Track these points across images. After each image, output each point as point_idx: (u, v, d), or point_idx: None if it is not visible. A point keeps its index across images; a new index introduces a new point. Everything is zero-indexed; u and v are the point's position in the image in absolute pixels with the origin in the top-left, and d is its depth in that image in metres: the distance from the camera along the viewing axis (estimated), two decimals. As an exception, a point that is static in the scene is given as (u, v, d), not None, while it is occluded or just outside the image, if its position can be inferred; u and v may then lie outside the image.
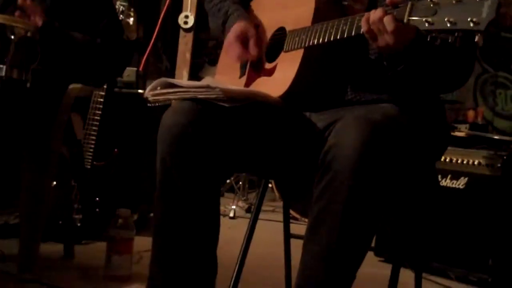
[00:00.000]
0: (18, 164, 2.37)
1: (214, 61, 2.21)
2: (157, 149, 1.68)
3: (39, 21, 2.26)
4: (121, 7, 3.26)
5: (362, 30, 1.55)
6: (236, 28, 1.93)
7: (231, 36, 1.93)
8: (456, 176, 3.01)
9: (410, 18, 1.42)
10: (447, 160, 3.03)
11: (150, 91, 1.75)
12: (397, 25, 1.47)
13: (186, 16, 3.91)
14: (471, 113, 4.62)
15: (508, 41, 5.14)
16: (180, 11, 3.97)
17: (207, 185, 1.67)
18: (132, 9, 3.44)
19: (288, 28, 1.85)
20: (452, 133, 3.24)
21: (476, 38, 1.33)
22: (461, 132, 3.37)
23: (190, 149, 1.63)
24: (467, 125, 3.87)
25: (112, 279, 2.59)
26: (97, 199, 3.11)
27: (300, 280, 1.58)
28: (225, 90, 1.65)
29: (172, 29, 4.62)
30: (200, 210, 1.66)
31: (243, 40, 1.90)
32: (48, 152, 2.40)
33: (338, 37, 1.64)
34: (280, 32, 1.90)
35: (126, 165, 3.25)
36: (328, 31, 1.67)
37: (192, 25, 3.91)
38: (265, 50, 1.94)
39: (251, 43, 1.90)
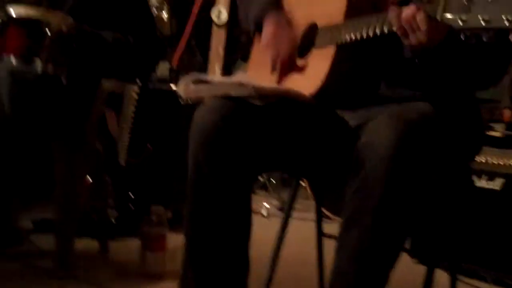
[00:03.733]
0: (53, 159, 2.40)
1: (246, 57, 2.20)
2: (189, 146, 1.69)
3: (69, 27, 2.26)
4: (155, 1, 3.26)
5: (393, 27, 1.53)
6: (270, 24, 1.91)
7: (266, 34, 1.91)
8: (492, 177, 2.95)
9: (444, 15, 1.40)
10: (483, 160, 2.97)
11: (183, 87, 1.75)
12: (430, 23, 1.44)
13: (219, 11, 3.90)
14: (507, 113, 4.51)
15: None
16: (213, 5, 3.96)
17: (239, 183, 1.66)
18: (165, 3, 3.44)
19: (320, 24, 1.84)
20: (487, 133, 3.18)
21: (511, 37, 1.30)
22: (497, 132, 3.29)
23: (222, 146, 1.63)
24: (503, 125, 3.79)
25: (146, 276, 2.60)
26: (131, 195, 3.13)
27: (333, 281, 1.57)
28: (257, 88, 1.64)
29: (205, 23, 4.62)
30: (232, 207, 1.66)
31: (277, 39, 1.89)
32: (82, 147, 2.42)
33: (371, 34, 1.62)
34: (312, 28, 1.88)
35: (159, 161, 3.26)
36: (360, 28, 1.65)
37: (225, 20, 3.90)
38: (297, 46, 1.93)
39: (285, 41, 1.88)
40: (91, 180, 2.72)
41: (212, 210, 1.65)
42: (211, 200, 1.64)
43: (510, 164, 2.91)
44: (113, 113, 2.63)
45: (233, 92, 1.66)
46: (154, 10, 3.16)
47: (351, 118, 1.77)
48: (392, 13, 1.53)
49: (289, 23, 1.94)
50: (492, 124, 3.75)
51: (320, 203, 2.26)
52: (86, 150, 2.45)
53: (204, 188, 1.64)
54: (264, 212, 4.14)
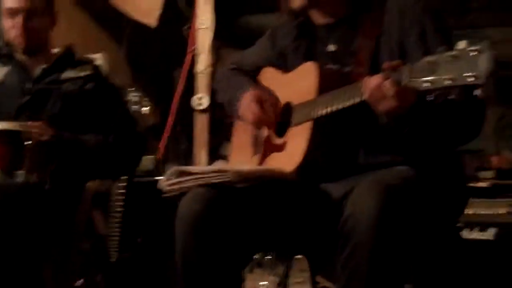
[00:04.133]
0: (41, 266, 2.37)
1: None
2: (176, 238, 1.68)
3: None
4: (135, 98, 3.31)
5: (363, 97, 1.56)
6: (251, 92, 1.95)
7: (247, 99, 1.94)
8: (484, 228, 2.94)
9: (410, 80, 1.43)
10: (474, 212, 2.97)
11: (165, 182, 1.77)
12: (397, 89, 1.47)
13: (200, 98, 3.95)
14: (495, 159, 4.54)
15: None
16: (193, 93, 4.02)
17: (229, 269, 1.66)
18: (146, 98, 3.49)
19: (294, 103, 1.87)
20: (475, 185, 3.19)
21: (476, 92, 1.33)
22: (485, 182, 3.31)
23: (208, 235, 1.63)
24: (492, 172, 3.81)
25: None
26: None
27: None
28: (236, 172, 1.66)
29: (188, 111, 4.68)
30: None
31: (259, 102, 1.92)
32: (69, 250, 2.40)
33: (343, 106, 1.65)
34: (287, 107, 1.91)
35: (150, 253, 3.24)
36: (333, 102, 1.69)
37: (207, 106, 3.95)
38: (274, 126, 1.95)
39: (268, 104, 1.91)
40: (82, 281, 2.69)
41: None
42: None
43: (500, 213, 2.91)
44: (99, 212, 2.63)
45: (215, 179, 1.68)
46: (134, 106, 3.20)
47: (335, 190, 1.77)
48: (361, 84, 1.57)
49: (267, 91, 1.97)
50: (481, 172, 3.77)
51: (314, 275, 2.23)
52: (74, 252, 2.43)
53: (194, 278, 1.64)
54: (262, 291, 4.08)
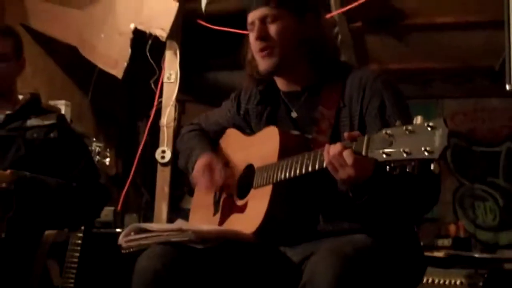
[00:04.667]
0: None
1: (193, 192, 2.25)
2: (131, 294, 1.67)
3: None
4: (97, 148, 3.30)
5: (324, 164, 1.60)
6: (201, 160, 2.01)
7: (197, 168, 2.00)
8: (439, 297, 2.99)
9: (368, 150, 1.48)
10: (429, 281, 3.02)
11: (124, 238, 1.77)
12: (356, 158, 1.52)
13: (163, 151, 3.96)
14: (452, 228, 4.64)
15: (481, 154, 5.27)
16: (157, 146, 4.03)
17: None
18: (108, 150, 3.48)
19: (256, 165, 1.90)
20: (431, 254, 3.25)
21: (432, 166, 1.37)
22: (440, 252, 3.38)
23: (164, 295, 1.62)
24: (450, 240, 3.88)
25: None
26: None
27: None
28: (197, 232, 1.67)
29: (150, 163, 4.67)
30: None
31: (209, 170, 1.98)
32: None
33: (303, 172, 1.68)
34: (249, 169, 1.94)
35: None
36: (293, 167, 1.71)
37: (169, 160, 3.96)
38: (236, 187, 1.98)
39: (217, 171, 1.97)
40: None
41: None
42: None
43: (455, 283, 2.95)
44: (55, 263, 2.59)
45: (174, 238, 1.68)
46: (97, 156, 3.19)
47: (294, 254, 1.79)
48: (322, 151, 1.61)
49: (225, 165, 2.01)
50: (438, 240, 3.84)
51: None
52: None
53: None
54: None
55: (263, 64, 1.90)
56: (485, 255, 3.37)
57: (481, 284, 2.87)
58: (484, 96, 5.29)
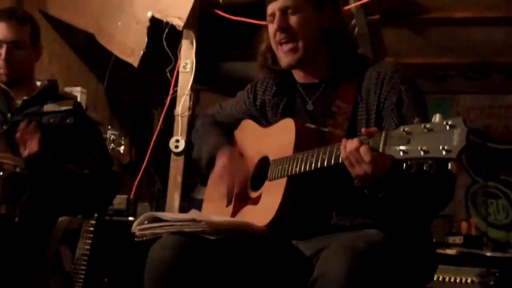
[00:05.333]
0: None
1: (205, 181, 2.25)
2: (144, 282, 1.68)
3: (35, 147, 2.28)
4: (112, 136, 3.31)
5: (340, 159, 1.59)
6: (222, 157, 1.98)
7: (219, 167, 1.98)
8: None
9: (386, 147, 1.46)
10: (440, 279, 3.01)
11: (137, 226, 1.77)
12: (373, 155, 1.51)
13: (177, 141, 3.96)
14: (464, 225, 4.61)
15: (495, 152, 5.23)
16: (171, 135, 4.04)
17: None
18: (123, 137, 3.49)
19: (271, 157, 1.89)
20: (443, 251, 3.24)
21: (450, 166, 1.36)
22: (452, 250, 3.36)
23: (176, 284, 1.63)
24: (461, 237, 3.86)
25: None
26: (87, 331, 3.04)
27: None
28: (210, 223, 1.66)
29: (164, 152, 4.68)
30: None
31: (230, 171, 1.95)
32: (36, 286, 2.37)
33: (318, 166, 1.67)
34: (264, 161, 1.94)
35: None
36: (309, 160, 1.71)
37: (183, 149, 3.96)
38: (250, 179, 1.97)
39: (238, 175, 1.95)
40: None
41: None
42: None
43: (466, 281, 2.95)
44: (68, 249, 2.61)
45: (187, 228, 1.68)
46: (112, 144, 3.20)
47: (306, 248, 1.79)
48: (338, 146, 1.60)
49: (240, 157, 2.00)
50: (450, 237, 3.82)
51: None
52: (40, 287, 2.40)
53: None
54: None
55: (286, 59, 1.89)
56: (497, 254, 3.35)
57: (492, 283, 2.86)
58: (501, 93, 5.25)
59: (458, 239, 3.79)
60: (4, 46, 2.47)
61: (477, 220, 5.05)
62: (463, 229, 4.60)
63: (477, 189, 5.31)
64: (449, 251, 3.32)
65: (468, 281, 2.95)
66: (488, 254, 3.34)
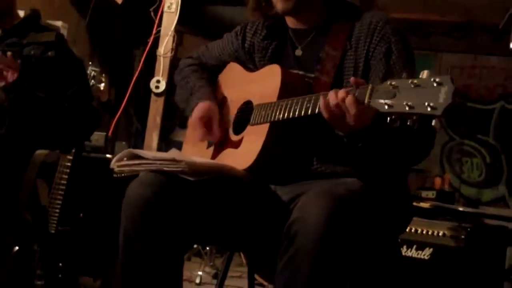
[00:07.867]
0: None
1: (184, 124, 2.23)
2: (121, 220, 1.68)
3: (14, 75, 2.24)
4: (93, 72, 3.28)
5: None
6: (199, 109, 1.97)
7: (194, 117, 1.97)
8: (421, 247, 3.04)
9: (371, 99, 1.46)
10: (413, 230, 3.07)
11: (116, 162, 1.76)
12: (358, 107, 1.50)
13: (158, 81, 3.94)
14: (438, 180, 4.68)
15: (474, 111, 5.28)
16: (152, 75, 4.00)
17: (170, 259, 1.66)
18: (103, 75, 3.46)
19: (254, 102, 1.88)
20: (417, 204, 3.29)
21: (433, 122, 1.36)
22: (426, 203, 3.42)
23: (153, 223, 1.63)
24: (434, 192, 3.92)
25: None
26: (60, 264, 3.06)
27: None
28: (190, 164, 1.66)
29: (143, 92, 4.65)
30: (162, 283, 1.65)
31: (206, 122, 1.95)
32: (10, 217, 2.37)
33: (302, 114, 1.67)
34: (247, 106, 1.93)
35: (90, 230, 3.21)
36: (293, 108, 1.70)
37: (164, 90, 3.94)
38: (232, 122, 1.97)
39: (214, 126, 1.95)
40: (17, 249, 2.65)
41: (142, 284, 1.64)
42: (141, 276, 1.63)
43: (438, 234, 3.01)
44: (44, 182, 2.60)
45: (167, 168, 1.68)
46: (92, 80, 3.17)
47: (284, 193, 1.80)
48: (323, 96, 1.59)
49: (222, 102, 1.99)
50: (423, 191, 3.88)
51: (252, 273, 2.26)
52: (15, 219, 2.39)
53: (134, 264, 1.64)
54: (198, 280, 4.12)
55: (283, 4, 1.86)
56: (469, 209, 3.42)
57: (463, 237, 2.92)
58: (484, 53, 5.27)
59: (431, 194, 3.85)
60: None
61: (451, 177, 5.14)
62: (436, 184, 4.68)
63: (453, 146, 5.39)
64: (423, 204, 3.37)
65: (440, 234, 3.01)
66: (461, 209, 3.41)
